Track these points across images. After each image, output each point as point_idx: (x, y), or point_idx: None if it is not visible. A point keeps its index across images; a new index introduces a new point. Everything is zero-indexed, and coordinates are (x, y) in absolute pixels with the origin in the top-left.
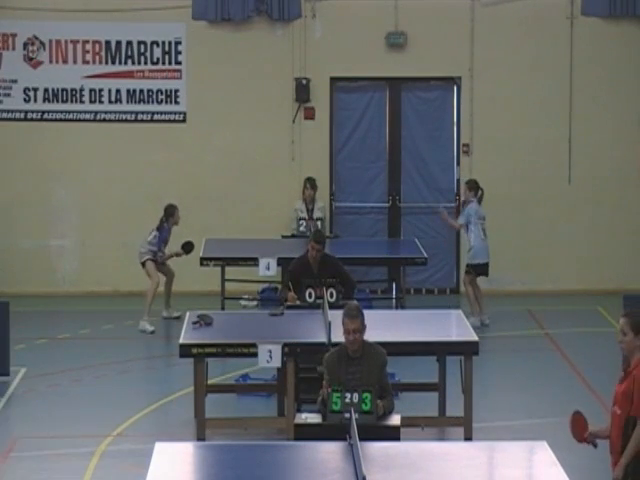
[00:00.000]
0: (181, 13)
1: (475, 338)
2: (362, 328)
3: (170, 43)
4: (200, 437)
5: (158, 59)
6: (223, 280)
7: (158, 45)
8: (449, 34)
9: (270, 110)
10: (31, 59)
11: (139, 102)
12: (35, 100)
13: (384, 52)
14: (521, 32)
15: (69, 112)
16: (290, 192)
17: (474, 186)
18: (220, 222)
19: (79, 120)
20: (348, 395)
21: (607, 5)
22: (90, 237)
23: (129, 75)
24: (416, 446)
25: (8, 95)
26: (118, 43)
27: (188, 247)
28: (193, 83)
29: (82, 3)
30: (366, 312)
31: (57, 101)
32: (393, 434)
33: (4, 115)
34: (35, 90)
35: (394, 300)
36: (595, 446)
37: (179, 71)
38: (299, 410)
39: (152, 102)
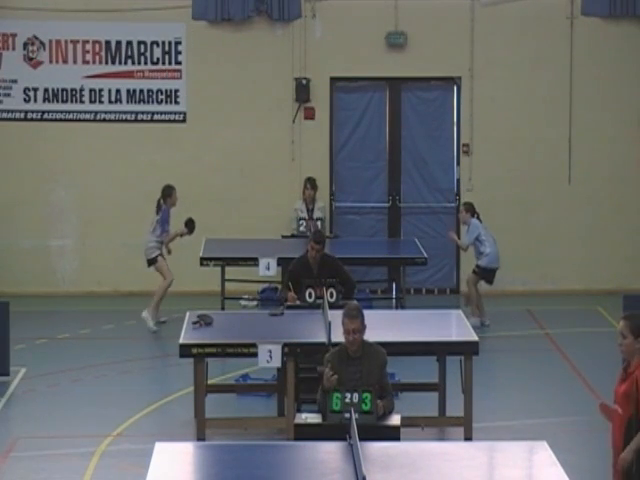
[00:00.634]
0: (181, 13)
1: (475, 338)
2: (362, 328)
3: (170, 43)
4: (200, 437)
5: (158, 59)
6: (223, 280)
7: (158, 45)
8: (449, 34)
9: (270, 110)
10: (31, 59)
11: (139, 102)
12: (35, 100)
13: (384, 52)
14: (521, 32)
15: (69, 112)
16: (290, 192)
17: (470, 209)
18: (220, 222)
19: (79, 120)
20: (348, 395)
21: (607, 5)
22: (90, 237)
23: (129, 75)
24: (416, 446)
25: (8, 95)
26: (118, 43)
27: (191, 225)
28: (193, 83)
29: (82, 3)
30: (366, 312)
31: (57, 101)
32: (393, 434)
33: (4, 115)
34: (35, 90)
35: (394, 300)
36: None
37: (179, 71)
38: (299, 410)
39: (152, 102)
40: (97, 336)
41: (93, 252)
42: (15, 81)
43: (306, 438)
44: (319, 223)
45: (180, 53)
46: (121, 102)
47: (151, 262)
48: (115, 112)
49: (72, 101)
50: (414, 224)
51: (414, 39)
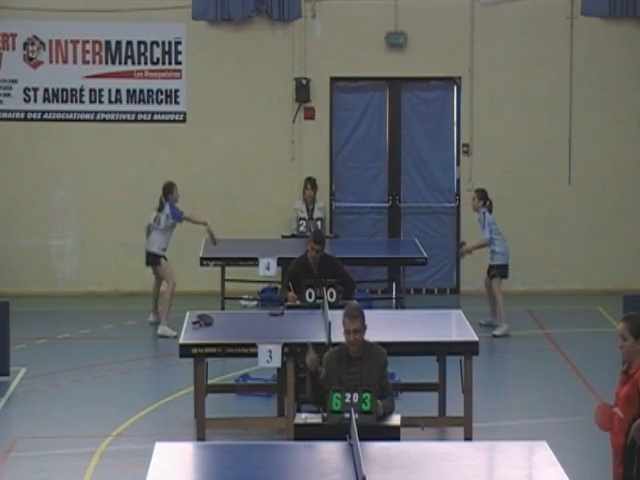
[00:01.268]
0: (181, 13)
1: (475, 338)
2: (362, 328)
3: (170, 43)
4: (200, 437)
5: (158, 59)
6: (223, 280)
7: (158, 45)
8: (449, 34)
9: (270, 110)
10: (31, 59)
11: (139, 102)
12: (35, 100)
13: (384, 52)
14: (521, 32)
15: (69, 112)
16: (290, 192)
17: (483, 196)
18: (220, 222)
19: (79, 120)
20: (348, 395)
21: (607, 5)
22: (90, 237)
23: (129, 75)
24: (416, 446)
25: (8, 95)
26: (118, 43)
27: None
28: (193, 83)
29: (82, 3)
30: (366, 312)
31: (57, 101)
32: (393, 434)
33: (4, 115)
34: (35, 90)
35: (394, 300)
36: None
37: (179, 71)
38: (299, 410)
39: (152, 102)
40: (97, 336)
41: (93, 252)
42: (15, 81)
43: (306, 438)
44: (319, 223)
45: (180, 53)
46: (121, 102)
47: (151, 261)
48: (115, 112)
49: (72, 101)
50: (414, 224)
51: (414, 39)
